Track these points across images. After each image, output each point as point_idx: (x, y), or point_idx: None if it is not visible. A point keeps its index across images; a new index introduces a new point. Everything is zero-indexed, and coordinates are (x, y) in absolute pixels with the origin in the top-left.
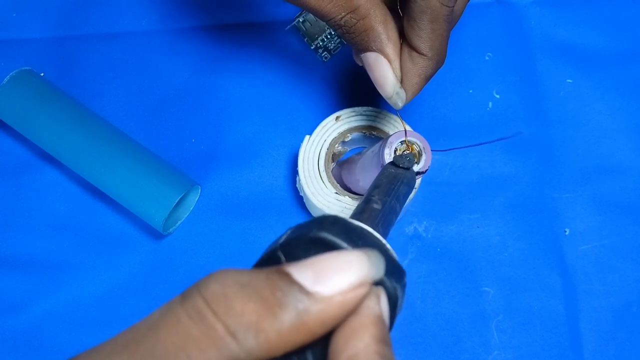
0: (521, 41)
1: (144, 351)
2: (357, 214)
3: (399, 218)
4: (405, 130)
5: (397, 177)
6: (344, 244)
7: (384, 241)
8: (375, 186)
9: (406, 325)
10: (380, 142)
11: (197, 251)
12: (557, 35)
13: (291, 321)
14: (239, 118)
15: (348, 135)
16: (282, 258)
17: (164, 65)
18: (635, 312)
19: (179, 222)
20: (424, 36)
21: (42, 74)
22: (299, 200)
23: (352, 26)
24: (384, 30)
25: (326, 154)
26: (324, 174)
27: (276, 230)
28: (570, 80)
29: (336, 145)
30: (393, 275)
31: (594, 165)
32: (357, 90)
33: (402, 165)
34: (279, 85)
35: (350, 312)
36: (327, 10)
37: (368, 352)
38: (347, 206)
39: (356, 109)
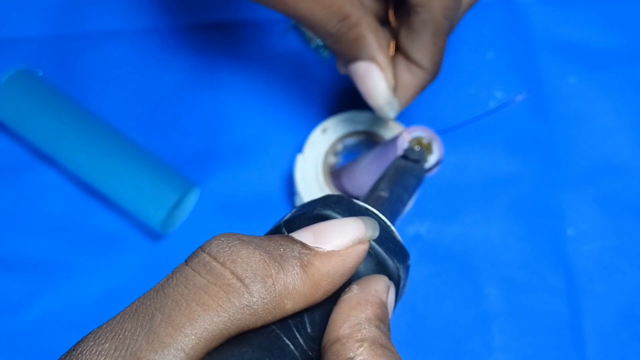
0: (523, 40)
1: (154, 309)
2: (363, 200)
3: (403, 213)
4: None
5: (407, 168)
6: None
7: (388, 222)
8: (383, 176)
9: (408, 326)
10: (385, 143)
11: None
12: (560, 33)
13: (296, 272)
14: (238, 118)
15: (339, 144)
16: (285, 233)
17: (163, 64)
18: (639, 313)
19: (178, 223)
20: (425, 49)
21: (40, 73)
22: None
23: (343, 35)
24: (375, 39)
25: (323, 168)
26: (325, 189)
27: None
28: (573, 79)
29: (330, 157)
30: (396, 256)
31: (598, 165)
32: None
33: (412, 157)
34: (278, 84)
35: (352, 269)
36: (319, 19)
37: (371, 324)
38: None
39: (340, 116)
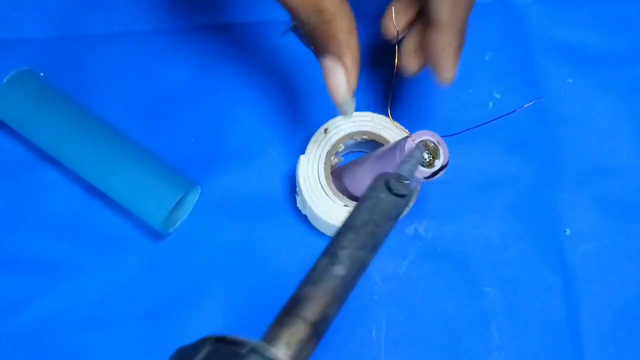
0: (522, 41)
1: None
2: (307, 279)
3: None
4: (409, 135)
5: (386, 210)
6: None
7: None
8: (349, 227)
9: (406, 325)
10: (391, 146)
11: (197, 251)
12: (558, 35)
13: None
14: (239, 118)
15: (341, 145)
16: None
17: (164, 65)
18: (636, 312)
19: (179, 222)
20: (446, 4)
21: (41, 74)
22: None
23: (315, 27)
24: (345, 40)
25: (324, 169)
26: (328, 189)
27: (276, 230)
28: (570, 80)
29: (332, 158)
30: None
31: (595, 165)
32: (357, 90)
33: (397, 192)
34: (278, 85)
35: None
36: (294, 6)
37: None
38: None
39: (341, 117)
